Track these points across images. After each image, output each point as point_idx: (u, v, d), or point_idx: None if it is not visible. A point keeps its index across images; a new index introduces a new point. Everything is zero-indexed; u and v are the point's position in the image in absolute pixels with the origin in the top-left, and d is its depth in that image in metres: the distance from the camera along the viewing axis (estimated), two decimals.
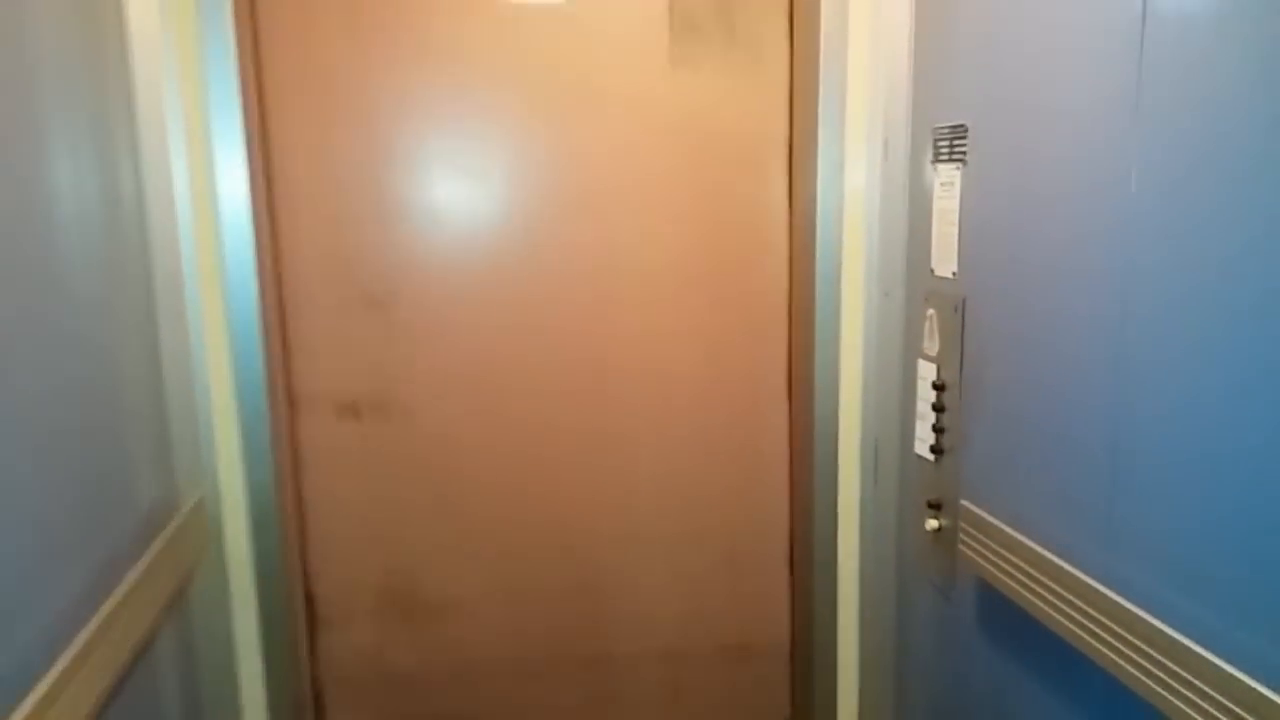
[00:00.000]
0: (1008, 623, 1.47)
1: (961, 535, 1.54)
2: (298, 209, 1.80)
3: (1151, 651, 1.08)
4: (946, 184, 1.60)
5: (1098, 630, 1.18)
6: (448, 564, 1.95)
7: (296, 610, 1.86)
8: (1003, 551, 1.41)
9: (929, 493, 1.70)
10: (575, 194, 1.86)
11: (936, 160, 1.63)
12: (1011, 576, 1.39)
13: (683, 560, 2.03)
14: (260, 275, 1.69)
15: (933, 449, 1.67)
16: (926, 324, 1.68)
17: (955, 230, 1.57)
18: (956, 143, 1.56)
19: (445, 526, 1.94)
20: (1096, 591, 1.19)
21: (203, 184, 1.64)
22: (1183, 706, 1.03)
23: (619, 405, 1.95)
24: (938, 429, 1.65)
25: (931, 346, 1.67)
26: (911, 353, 1.75)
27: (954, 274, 1.59)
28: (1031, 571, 1.33)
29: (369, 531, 1.91)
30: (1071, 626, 1.24)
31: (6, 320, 1.02)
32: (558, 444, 1.95)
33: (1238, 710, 0.95)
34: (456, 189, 1.82)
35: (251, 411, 1.70)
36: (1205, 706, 0.99)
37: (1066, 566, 1.25)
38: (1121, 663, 1.13)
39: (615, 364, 1.93)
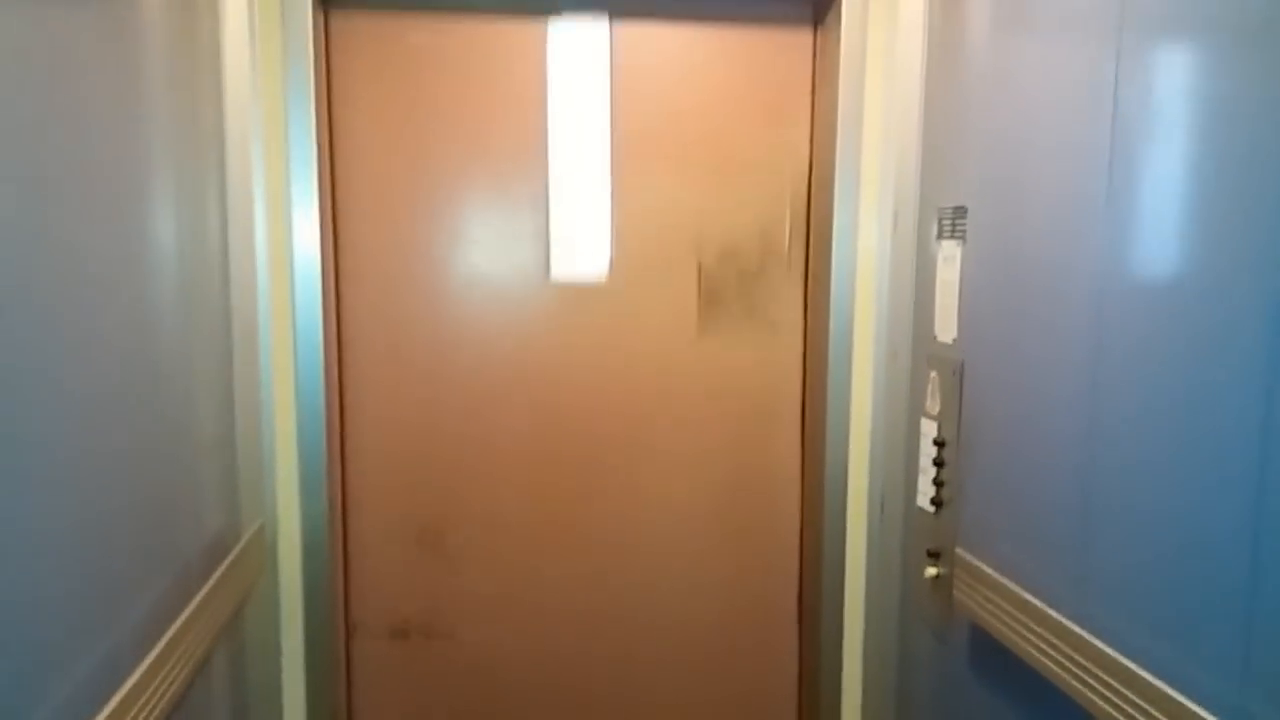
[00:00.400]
0: (996, 662, 1.59)
1: (957, 582, 1.67)
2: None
3: (1114, 683, 1.21)
4: (949, 258, 1.76)
5: (1071, 666, 1.31)
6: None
7: (338, 627, 2.01)
8: (992, 596, 1.54)
9: (929, 542, 1.83)
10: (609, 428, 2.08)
11: (940, 237, 1.80)
12: (999, 619, 1.51)
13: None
14: (325, 326, 1.88)
15: (933, 501, 1.80)
16: (929, 385, 1.83)
17: (955, 301, 1.73)
18: (958, 222, 1.72)
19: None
20: (1070, 631, 1.31)
21: (280, 243, 1.83)
22: None
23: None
24: (938, 482, 1.78)
25: (933, 406, 1.81)
26: (915, 411, 1.90)
27: (954, 340, 1.74)
28: (1016, 614, 1.46)
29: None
30: (1049, 663, 1.36)
31: (111, 361, 1.19)
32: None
33: None
34: (509, 420, 2.04)
35: (311, 447, 1.88)
36: None
37: (1045, 609, 1.38)
38: (1091, 695, 1.26)
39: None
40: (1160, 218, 1.17)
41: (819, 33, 2.04)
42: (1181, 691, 1.10)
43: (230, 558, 1.66)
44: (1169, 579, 1.15)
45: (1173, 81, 1.15)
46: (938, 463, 1.78)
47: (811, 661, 2.14)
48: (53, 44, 1.02)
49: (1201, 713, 1.06)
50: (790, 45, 2.04)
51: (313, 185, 1.83)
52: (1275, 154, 0.98)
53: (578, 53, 1.98)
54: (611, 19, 1.99)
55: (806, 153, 2.08)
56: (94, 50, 1.12)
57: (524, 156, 2.00)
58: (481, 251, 2.01)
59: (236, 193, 1.74)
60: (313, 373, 1.86)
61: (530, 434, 2.06)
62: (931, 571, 1.81)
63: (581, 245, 2.04)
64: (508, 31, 1.97)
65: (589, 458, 2.09)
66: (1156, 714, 1.13)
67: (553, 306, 2.04)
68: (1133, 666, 1.18)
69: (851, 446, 2.02)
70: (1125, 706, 1.18)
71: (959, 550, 1.67)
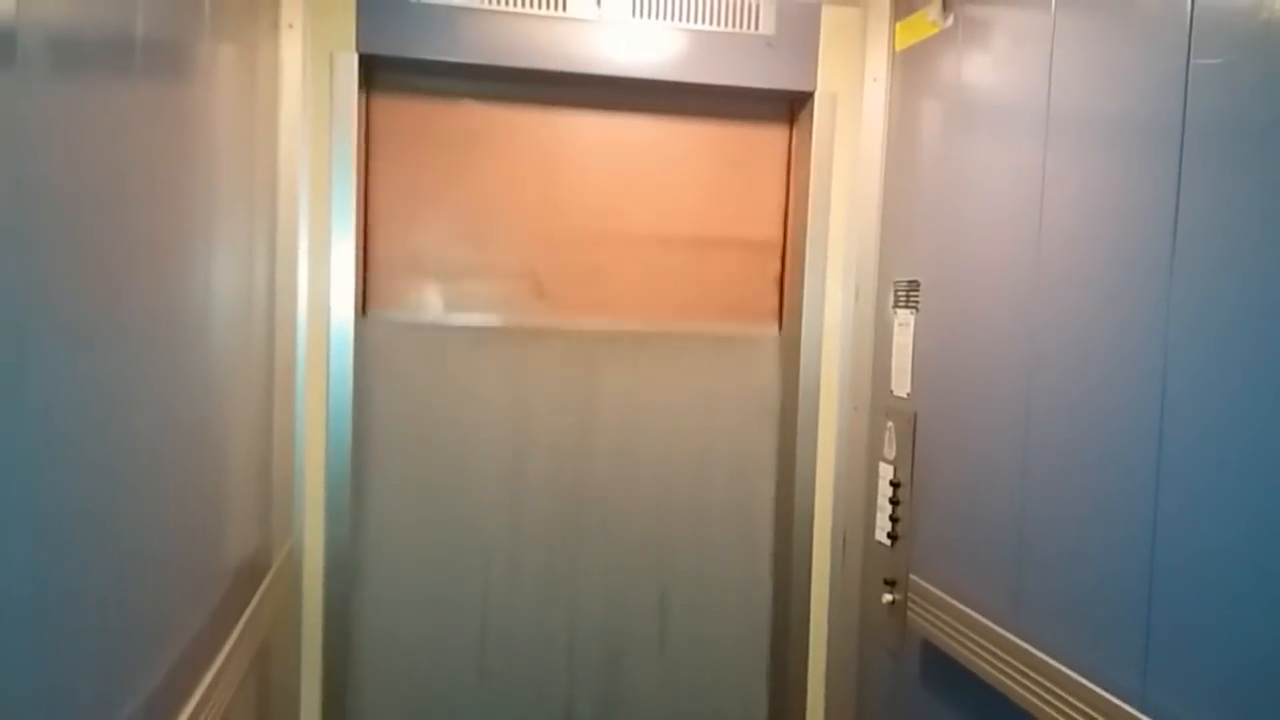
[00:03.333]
0: (944, 673, 1.85)
1: (910, 604, 1.92)
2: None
3: (1044, 681, 1.46)
4: (903, 324, 2.05)
5: (1009, 670, 1.56)
6: None
7: (353, 643, 2.19)
8: (942, 615, 1.80)
9: (885, 572, 2.09)
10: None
11: (896, 306, 2.09)
12: (947, 634, 1.77)
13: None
14: (355, 364, 2.10)
15: (889, 535, 2.06)
16: (886, 434, 2.10)
17: (909, 361, 2.01)
18: (912, 293, 2.02)
19: None
20: (1008, 640, 1.57)
21: (319, 295, 2.05)
22: None
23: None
24: (894, 519, 2.05)
25: (890, 452, 2.08)
26: (874, 456, 2.17)
27: (908, 394, 2.02)
28: (961, 629, 1.72)
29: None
30: (990, 669, 1.62)
31: (170, 397, 1.33)
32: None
33: None
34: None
35: (336, 479, 2.08)
36: None
37: (986, 622, 1.64)
38: (1025, 694, 1.51)
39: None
40: (1077, 291, 1.46)
41: (793, 130, 2.35)
42: (1098, 684, 1.36)
43: (269, 577, 1.85)
44: (1085, 592, 1.42)
45: (1089, 171, 1.45)
46: (893, 501, 2.05)
47: (781, 680, 2.37)
48: (140, 114, 1.20)
49: (1114, 700, 1.32)
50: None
51: (350, 243, 2.06)
52: (1165, 232, 1.28)
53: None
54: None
55: (780, 232, 2.37)
56: (173, 122, 1.30)
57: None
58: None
59: (284, 250, 1.96)
60: (341, 410, 2.07)
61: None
62: (888, 598, 2.06)
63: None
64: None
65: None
66: (1078, 704, 1.38)
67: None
68: (1059, 666, 1.44)
69: (817, 487, 2.28)
70: (1054, 701, 1.44)
71: (913, 576, 1.93)
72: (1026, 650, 1.52)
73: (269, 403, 1.93)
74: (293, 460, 2.02)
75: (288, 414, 2.00)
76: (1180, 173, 1.26)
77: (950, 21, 1.88)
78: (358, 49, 2.04)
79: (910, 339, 2.02)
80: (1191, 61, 1.24)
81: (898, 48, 2.12)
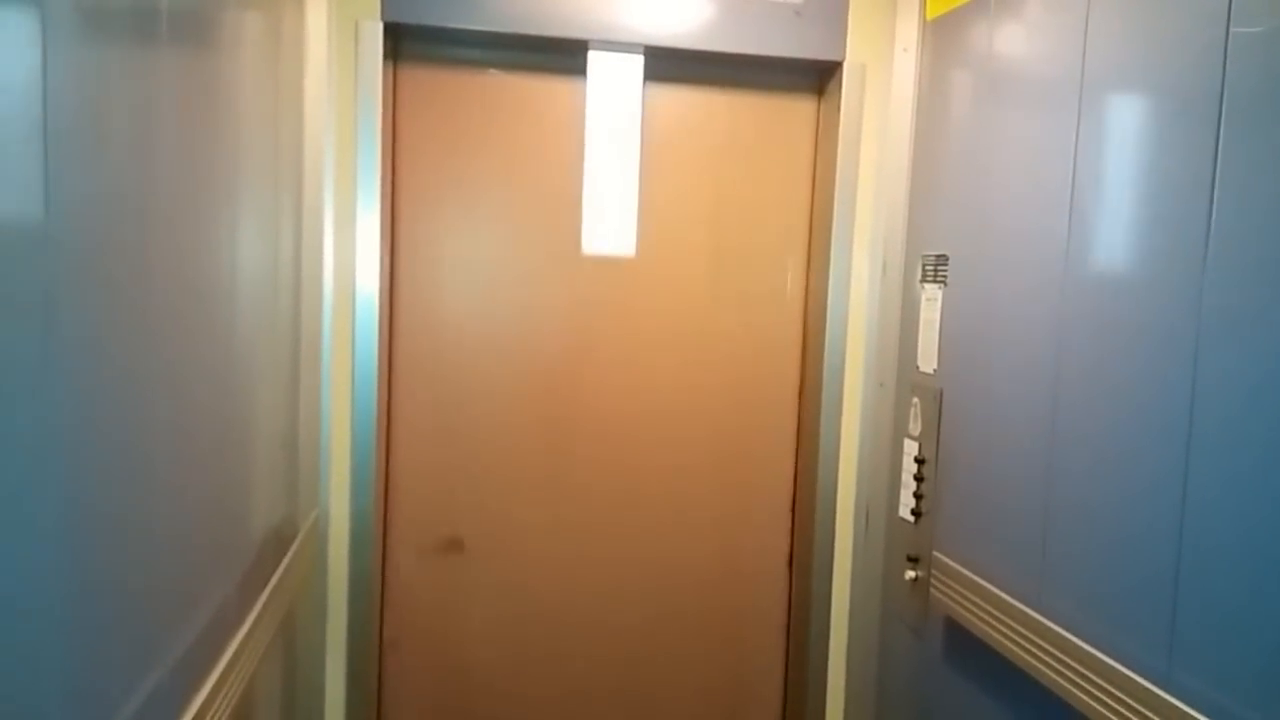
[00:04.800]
0: (966, 650, 1.84)
1: (933, 581, 1.91)
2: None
3: (1067, 659, 1.46)
4: (931, 299, 2.02)
5: (1031, 647, 1.55)
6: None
7: (375, 615, 2.21)
8: (964, 591, 1.79)
9: (909, 549, 2.08)
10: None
11: (924, 281, 2.06)
12: (970, 612, 1.76)
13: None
14: (380, 341, 2.10)
15: (913, 512, 2.05)
16: (912, 410, 2.09)
17: (936, 336, 1.99)
18: (940, 268, 1.99)
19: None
20: (1031, 618, 1.56)
21: (345, 267, 2.06)
22: (1093, 704, 1.39)
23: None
24: (918, 495, 2.04)
25: (915, 428, 2.07)
26: (899, 433, 2.15)
27: (934, 370, 2.00)
28: (984, 606, 1.71)
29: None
30: (1012, 647, 1.61)
31: (198, 370, 1.36)
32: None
33: (1137, 706, 1.31)
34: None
35: (362, 448, 2.09)
36: (1111, 704, 1.36)
37: (1010, 600, 1.63)
38: (1047, 671, 1.50)
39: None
40: (1109, 267, 1.43)
41: (821, 101, 2.31)
42: (1122, 663, 1.35)
43: (294, 546, 1.87)
44: (1112, 571, 1.41)
45: (1124, 145, 1.42)
46: (918, 478, 2.04)
47: (799, 657, 2.37)
48: (165, 85, 1.22)
49: (1139, 680, 1.31)
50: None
51: (376, 217, 2.06)
52: (1201, 208, 1.25)
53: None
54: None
55: (808, 204, 2.35)
56: (198, 92, 1.32)
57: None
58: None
59: (310, 222, 1.96)
60: (368, 380, 2.08)
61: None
62: (911, 574, 2.05)
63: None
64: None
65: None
66: (1102, 683, 1.38)
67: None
68: (1084, 645, 1.43)
69: (841, 464, 2.27)
70: (1078, 679, 1.43)
71: (936, 553, 1.92)
72: (1050, 628, 1.51)
73: (295, 373, 1.95)
74: (319, 430, 2.03)
75: (314, 384, 2.01)
76: (1218, 144, 1.22)
77: None
78: (383, 17, 2.03)
79: (937, 314, 1.99)
80: (1231, 30, 1.21)
81: (929, 17, 2.08)
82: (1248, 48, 1.19)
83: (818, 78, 2.31)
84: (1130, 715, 1.31)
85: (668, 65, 2.25)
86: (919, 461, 2.03)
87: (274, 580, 1.70)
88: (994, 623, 1.68)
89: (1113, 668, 1.36)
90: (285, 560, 1.80)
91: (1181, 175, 1.29)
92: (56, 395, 0.84)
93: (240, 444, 1.53)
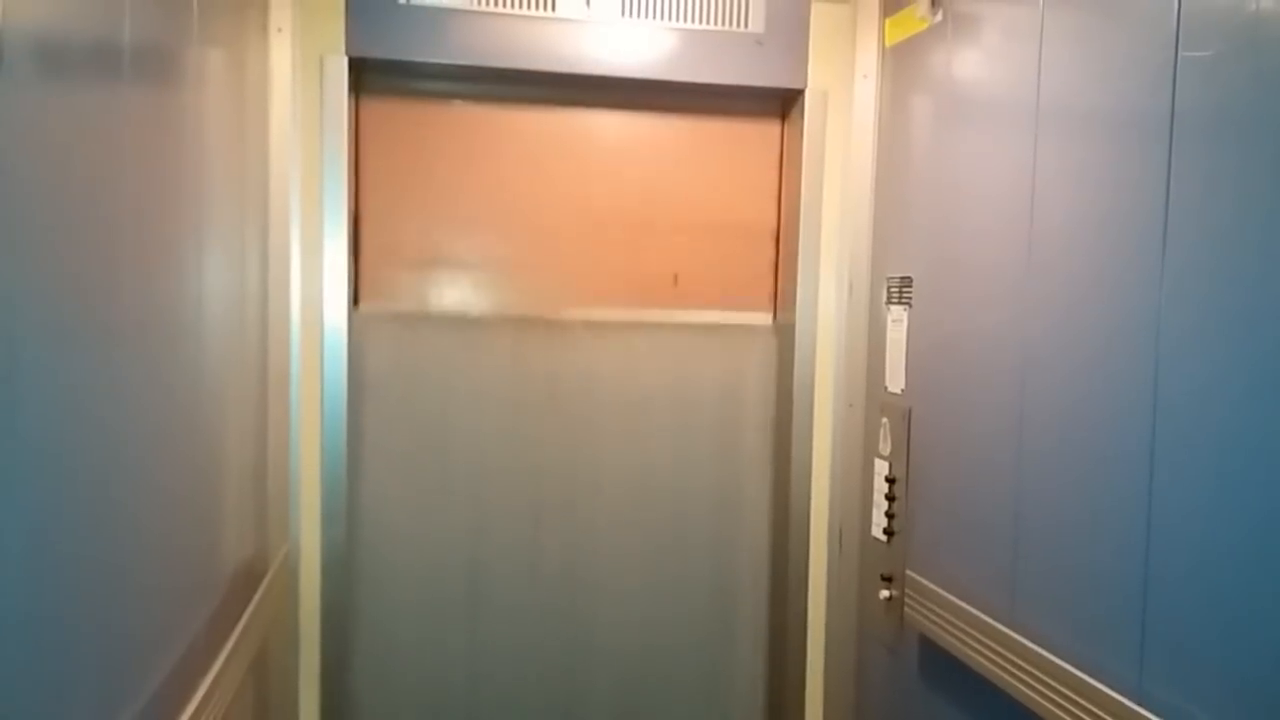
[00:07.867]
0: (941, 668, 1.85)
1: (907, 600, 1.93)
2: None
3: (1039, 674, 1.47)
4: (897, 320, 2.05)
5: (1004, 663, 1.57)
6: None
7: (349, 650, 2.19)
8: (938, 610, 1.80)
9: (882, 568, 2.09)
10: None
11: (889, 302, 2.09)
12: (943, 629, 1.77)
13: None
14: (349, 364, 2.09)
15: (885, 531, 2.06)
16: (881, 430, 2.10)
17: (903, 357, 2.01)
18: (905, 290, 2.02)
19: None
20: (1003, 633, 1.58)
21: (313, 298, 2.05)
22: (1066, 718, 1.40)
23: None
24: (889, 515, 2.05)
25: (885, 448, 2.08)
26: (870, 453, 2.17)
27: (902, 390, 2.02)
28: (957, 623, 1.72)
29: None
30: (985, 663, 1.62)
31: (163, 401, 1.33)
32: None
33: (1108, 718, 1.32)
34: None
35: (331, 481, 2.07)
36: (1083, 717, 1.36)
37: (982, 616, 1.65)
38: (1020, 686, 1.51)
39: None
40: (1069, 286, 1.46)
41: (785, 126, 2.35)
42: (1093, 676, 1.37)
43: (265, 582, 1.84)
44: (1082, 586, 1.43)
45: (1080, 166, 1.45)
46: (889, 497, 2.05)
47: (779, 677, 2.37)
48: (129, 119, 1.20)
49: (1110, 693, 1.33)
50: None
51: (342, 246, 2.06)
52: (1156, 227, 1.28)
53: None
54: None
55: (774, 227, 2.37)
56: (162, 126, 1.29)
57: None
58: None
59: (276, 253, 1.96)
60: (336, 412, 2.07)
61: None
62: (885, 594, 2.06)
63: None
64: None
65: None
66: (1075, 698, 1.39)
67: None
68: (1056, 660, 1.44)
69: (814, 484, 2.28)
70: (1051, 695, 1.44)
71: (909, 572, 1.93)
72: (1023, 644, 1.52)
73: (263, 404, 1.93)
74: (288, 462, 2.01)
75: (282, 415, 2.00)
76: (1170, 166, 1.26)
77: (940, 17, 1.88)
78: (347, 52, 2.03)
79: (904, 335, 2.02)
80: (1180, 55, 1.25)
81: (888, 44, 2.13)
82: (1196, 71, 1.22)
83: (781, 104, 2.34)
84: None
85: (631, 95, 2.27)
86: (890, 481, 2.05)
87: (245, 618, 1.67)
88: (968, 640, 1.69)
89: (1085, 681, 1.37)
90: (256, 597, 1.77)
91: (1136, 194, 1.32)
92: (19, 429, 0.83)
93: (208, 479, 1.51)
